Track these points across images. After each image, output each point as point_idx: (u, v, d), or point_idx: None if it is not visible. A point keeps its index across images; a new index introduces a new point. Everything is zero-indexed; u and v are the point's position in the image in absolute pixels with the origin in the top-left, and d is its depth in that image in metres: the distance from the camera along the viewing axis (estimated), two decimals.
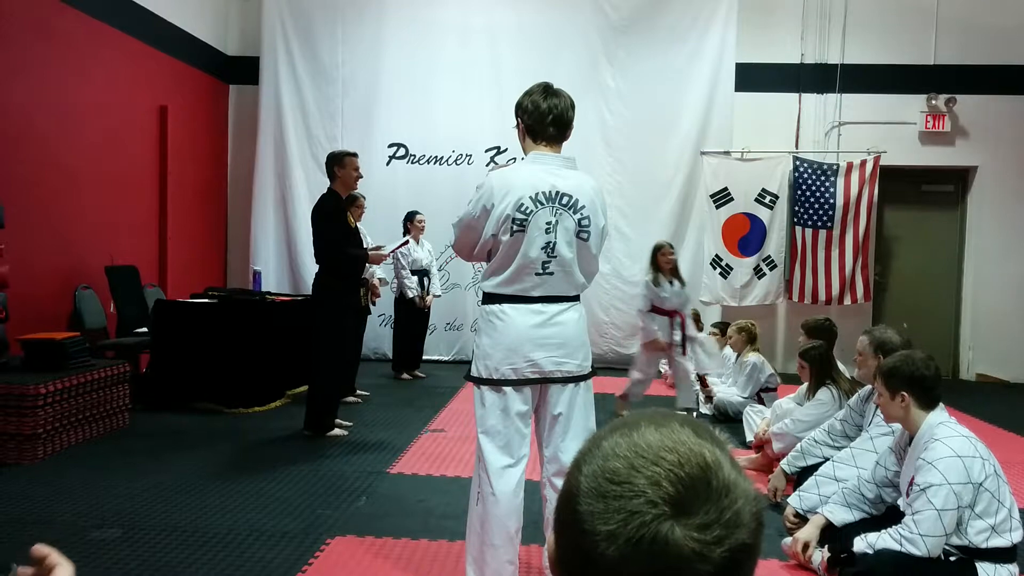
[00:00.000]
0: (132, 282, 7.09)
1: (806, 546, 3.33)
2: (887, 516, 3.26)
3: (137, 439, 5.30)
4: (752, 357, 6.15)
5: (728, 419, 6.06)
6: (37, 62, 6.11)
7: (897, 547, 2.83)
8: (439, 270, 8.93)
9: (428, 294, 7.82)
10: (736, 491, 0.73)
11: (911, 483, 2.92)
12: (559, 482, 2.89)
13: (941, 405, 3.04)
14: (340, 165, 5.42)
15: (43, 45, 6.18)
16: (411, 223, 7.71)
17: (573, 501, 0.75)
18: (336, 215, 5.34)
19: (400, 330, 7.91)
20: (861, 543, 2.98)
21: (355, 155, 5.52)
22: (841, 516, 3.35)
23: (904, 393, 2.99)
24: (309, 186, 8.91)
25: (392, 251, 6.51)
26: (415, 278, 7.67)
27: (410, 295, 7.59)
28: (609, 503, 0.72)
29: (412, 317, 7.77)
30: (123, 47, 7.27)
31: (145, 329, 6.67)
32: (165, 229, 8.04)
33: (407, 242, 7.25)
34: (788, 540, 3.46)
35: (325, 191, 5.48)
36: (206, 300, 6.61)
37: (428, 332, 8.51)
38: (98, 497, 4.05)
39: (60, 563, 0.95)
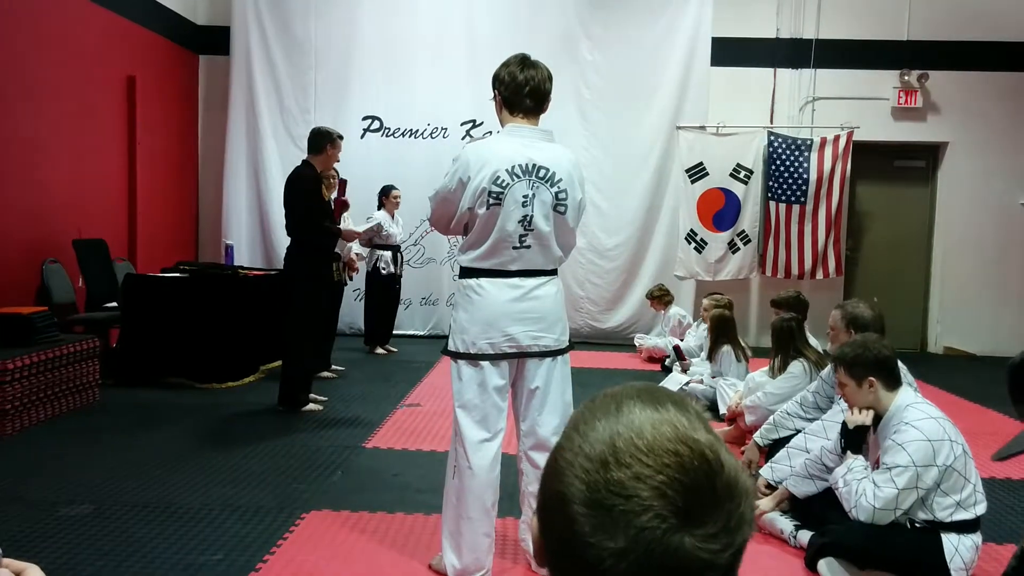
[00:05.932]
0: (101, 256, 6.98)
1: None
2: None
3: (107, 415, 5.24)
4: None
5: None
6: (0, 33, 5.95)
7: (853, 497, 2.91)
8: (415, 244, 8.91)
9: (400, 270, 7.79)
10: (738, 492, 0.72)
11: (877, 463, 2.98)
12: (536, 455, 2.91)
13: (905, 384, 3.10)
14: (332, 145, 5.36)
15: (5, 15, 6.00)
16: (386, 198, 7.65)
17: (567, 506, 0.72)
18: (313, 189, 5.28)
19: (372, 305, 7.89)
20: (837, 473, 3.07)
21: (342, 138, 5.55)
22: (803, 489, 3.41)
23: (872, 378, 3.03)
24: (282, 159, 8.78)
25: (365, 231, 6.58)
26: (388, 253, 7.63)
27: (384, 271, 7.60)
28: (615, 517, 0.69)
29: (384, 292, 7.75)
30: (89, 16, 7.08)
31: (115, 304, 6.58)
32: (134, 202, 7.89)
33: (380, 227, 7.31)
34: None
35: (300, 163, 5.40)
36: (177, 274, 6.53)
37: (403, 307, 8.49)
38: (68, 473, 4.00)
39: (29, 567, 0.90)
